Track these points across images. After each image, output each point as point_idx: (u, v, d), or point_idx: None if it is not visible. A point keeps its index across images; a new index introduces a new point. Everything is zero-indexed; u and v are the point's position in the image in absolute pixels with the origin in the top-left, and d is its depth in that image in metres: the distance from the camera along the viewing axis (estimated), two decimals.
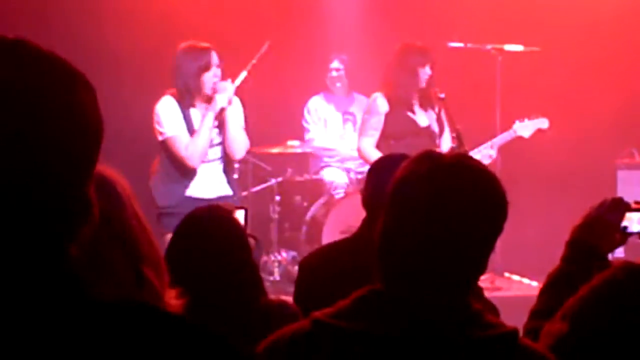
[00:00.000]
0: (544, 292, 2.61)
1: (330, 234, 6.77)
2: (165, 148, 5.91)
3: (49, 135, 1.18)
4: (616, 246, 2.66)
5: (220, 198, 6.00)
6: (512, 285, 7.67)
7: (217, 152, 6.03)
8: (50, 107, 1.19)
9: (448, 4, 8.59)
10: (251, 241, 3.08)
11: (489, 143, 7.04)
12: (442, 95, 6.63)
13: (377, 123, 6.71)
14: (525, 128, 7.17)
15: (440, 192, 1.75)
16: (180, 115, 5.88)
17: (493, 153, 6.94)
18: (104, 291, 1.22)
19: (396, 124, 6.69)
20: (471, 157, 1.90)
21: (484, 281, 7.20)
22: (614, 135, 8.21)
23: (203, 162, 5.93)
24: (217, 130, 5.98)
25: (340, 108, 8.09)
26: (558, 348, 2.08)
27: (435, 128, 6.81)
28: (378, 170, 3.49)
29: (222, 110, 5.89)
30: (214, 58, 5.93)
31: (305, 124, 8.09)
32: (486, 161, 6.79)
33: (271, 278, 7.33)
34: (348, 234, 3.74)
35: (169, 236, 3.06)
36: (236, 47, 7.80)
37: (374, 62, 7.86)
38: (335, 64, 8.05)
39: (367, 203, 3.48)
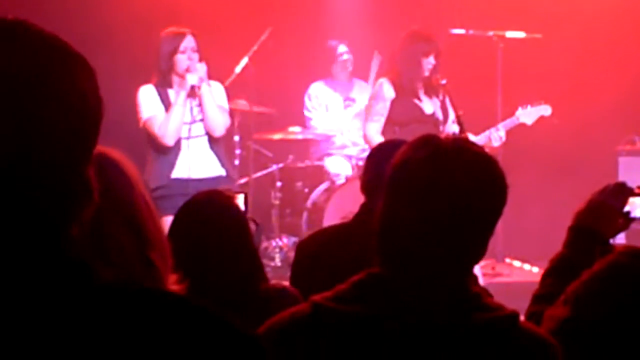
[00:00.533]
0: (546, 276, 2.62)
1: (331, 220, 6.77)
2: (146, 132, 6.11)
3: (47, 117, 1.17)
4: (619, 231, 2.67)
5: (217, 179, 6.14)
6: (513, 271, 7.68)
7: (200, 128, 6.18)
8: (49, 88, 1.18)
9: None
10: (252, 225, 3.09)
11: (494, 129, 7.02)
12: (444, 82, 6.62)
13: (382, 109, 6.71)
14: (527, 115, 7.14)
15: (439, 176, 1.75)
16: (158, 98, 6.09)
17: (502, 135, 6.91)
18: (112, 275, 1.23)
19: (402, 111, 6.68)
20: (470, 141, 1.89)
21: (485, 267, 7.22)
22: (615, 122, 8.20)
23: (189, 137, 6.09)
24: (199, 107, 6.15)
25: (341, 93, 8.08)
26: (560, 332, 2.09)
27: (440, 115, 6.80)
28: (377, 156, 3.49)
29: (193, 88, 6.05)
30: (189, 41, 6.10)
31: (306, 112, 8.07)
32: (496, 144, 6.80)
33: (272, 264, 7.34)
34: (343, 221, 3.74)
35: (164, 220, 3.07)
36: (238, 33, 7.81)
37: (375, 48, 7.86)
38: (341, 48, 8.03)
39: (365, 188, 3.48)
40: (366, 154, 7.17)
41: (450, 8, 8.27)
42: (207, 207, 2.99)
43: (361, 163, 7.42)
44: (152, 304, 1.22)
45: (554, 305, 2.23)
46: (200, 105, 6.13)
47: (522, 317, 1.81)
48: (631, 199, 2.67)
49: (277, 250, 7.52)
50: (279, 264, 7.37)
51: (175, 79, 6.11)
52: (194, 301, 1.27)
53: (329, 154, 7.89)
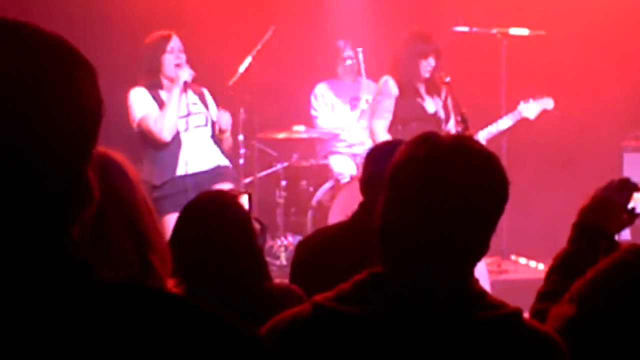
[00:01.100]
0: (551, 273, 2.61)
1: (336, 218, 6.76)
2: (141, 131, 6.16)
3: (47, 118, 1.17)
4: (623, 227, 2.66)
5: (216, 168, 6.29)
6: (518, 268, 7.67)
7: (200, 118, 6.31)
8: (49, 88, 1.18)
9: None
10: (256, 226, 3.09)
11: (495, 125, 7.02)
12: (448, 79, 6.61)
13: (390, 105, 6.71)
14: (530, 109, 7.13)
15: (439, 174, 1.74)
16: (150, 97, 6.16)
17: (482, 139, 6.87)
18: (112, 275, 1.22)
19: (404, 109, 6.68)
20: (470, 138, 1.88)
21: (490, 264, 7.22)
22: (620, 118, 8.19)
23: (187, 130, 6.18)
24: (197, 100, 6.31)
25: (348, 94, 8.07)
26: (565, 330, 2.08)
27: (442, 114, 6.81)
28: (376, 156, 3.49)
29: (187, 83, 6.15)
30: (175, 41, 6.24)
31: (313, 112, 8.07)
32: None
33: (277, 262, 7.34)
34: (342, 221, 3.74)
35: (166, 218, 3.08)
36: (241, 32, 7.81)
37: (379, 47, 7.85)
38: (348, 51, 8.03)
39: (364, 187, 3.49)
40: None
41: (454, 5, 8.25)
42: (211, 207, 2.98)
43: None
44: (152, 303, 1.22)
45: (559, 303, 2.23)
46: (200, 99, 6.31)
47: (527, 314, 1.80)
48: (636, 195, 2.67)
49: (282, 249, 7.52)
50: (284, 262, 7.37)
51: (163, 80, 6.22)
52: (193, 301, 1.27)
53: (334, 153, 7.89)
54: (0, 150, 1.15)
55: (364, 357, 1.69)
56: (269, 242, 7.45)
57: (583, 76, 8.36)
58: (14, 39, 1.19)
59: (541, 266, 7.59)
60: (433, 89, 6.79)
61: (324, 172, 7.78)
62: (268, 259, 3.14)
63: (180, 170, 6.15)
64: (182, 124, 6.18)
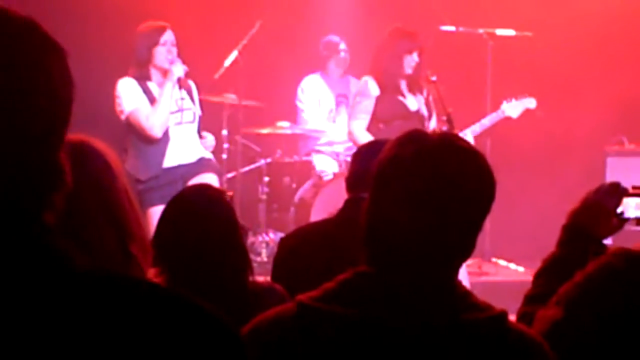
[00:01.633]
0: (538, 276, 2.60)
1: (318, 216, 6.76)
2: (129, 124, 6.11)
3: (16, 102, 1.15)
4: (613, 231, 2.65)
5: (200, 160, 6.31)
6: (499, 270, 7.68)
7: (189, 115, 6.31)
8: (17, 72, 1.16)
9: None
10: None
11: (477, 124, 7.03)
12: (434, 78, 6.61)
13: (368, 106, 6.69)
14: (513, 108, 7.16)
15: (426, 172, 1.72)
16: (140, 90, 6.11)
17: (471, 139, 6.88)
18: (87, 263, 1.21)
19: (386, 108, 6.67)
20: (457, 136, 1.86)
21: (471, 266, 7.22)
22: (603, 122, 8.21)
23: (179, 123, 6.19)
24: (187, 96, 6.30)
25: (334, 89, 8.07)
26: (551, 333, 2.07)
27: (425, 112, 6.80)
28: (363, 154, 3.48)
29: (179, 79, 6.16)
30: (169, 35, 6.18)
31: (298, 104, 8.06)
32: None
33: (259, 259, 7.32)
34: (327, 217, 3.73)
35: (152, 210, 3.06)
36: (227, 26, 7.78)
37: (365, 45, 7.84)
38: (343, 45, 8.04)
39: (350, 185, 3.48)
40: (353, 151, 7.19)
41: (440, 5, 8.24)
42: (196, 200, 2.97)
43: (349, 159, 7.41)
44: (128, 290, 1.21)
45: (546, 306, 2.22)
46: (189, 93, 6.29)
47: (510, 316, 1.79)
48: (625, 200, 2.66)
49: (264, 246, 7.50)
50: (265, 259, 7.35)
51: (153, 71, 6.17)
52: (170, 289, 1.26)
53: (317, 151, 7.88)
54: None
55: (349, 357, 1.67)
56: (251, 239, 7.43)
57: (568, 79, 8.39)
58: None
59: (522, 269, 7.61)
60: (415, 87, 6.78)
61: (307, 169, 7.77)
62: (249, 255, 3.12)
63: (166, 164, 6.15)
64: (172, 120, 6.18)
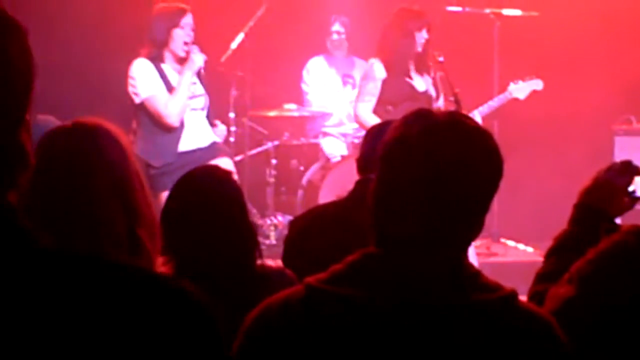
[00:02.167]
0: (550, 254, 2.59)
1: (326, 198, 6.76)
2: (144, 109, 5.98)
3: None
4: (624, 210, 2.64)
5: (212, 144, 6.23)
6: (507, 251, 7.68)
7: (200, 101, 6.20)
8: None
9: None
10: None
11: (485, 106, 7.02)
12: (441, 59, 6.59)
13: (374, 89, 6.68)
14: (520, 90, 7.15)
15: (434, 151, 1.71)
16: (156, 74, 5.98)
17: (479, 120, 6.90)
18: (49, 242, 1.21)
19: (394, 90, 6.66)
20: (464, 115, 1.85)
21: (479, 247, 7.22)
22: (611, 102, 8.18)
23: (192, 109, 6.10)
24: (198, 82, 6.16)
25: (340, 70, 8.05)
26: (564, 311, 2.07)
27: (433, 92, 6.79)
28: (373, 135, 3.48)
29: (199, 69, 6.04)
30: (189, 19, 6.03)
31: (304, 86, 8.04)
32: None
33: (267, 242, 7.32)
34: (337, 199, 3.73)
35: (164, 194, 3.05)
36: (234, 8, 7.76)
37: (372, 26, 7.82)
38: (336, 26, 8.00)
39: (361, 167, 3.48)
40: (362, 133, 7.18)
41: None
42: (204, 181, 2.95)
43: (356, 142, 7.41)
44: (89, 268, 1.21)
45: (558, 284, 2.21)
46: (200, 80, 6.16)
47: (519, 297, 1.78)
48: (637, 178, 2.65)
49: (272, 228, 7.50)
50: (273, 242, 7.35)
51: (167, 54, 6.04)
52: (130, 264, 1.26)
53: (324, 133, 7.86)
54: None
55: (358, 339, 1.67)
56: (259, 221, 7.44)
57: (575, 58, 8.35)
58: None
59: (530, 249, 7.60)
60: (422, 67, 6.76)
61: (315, 151, 7.76)
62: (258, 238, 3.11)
63: (181, 148, 6.06)
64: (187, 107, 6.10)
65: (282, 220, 7.60)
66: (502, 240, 7.88)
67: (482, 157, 1.75)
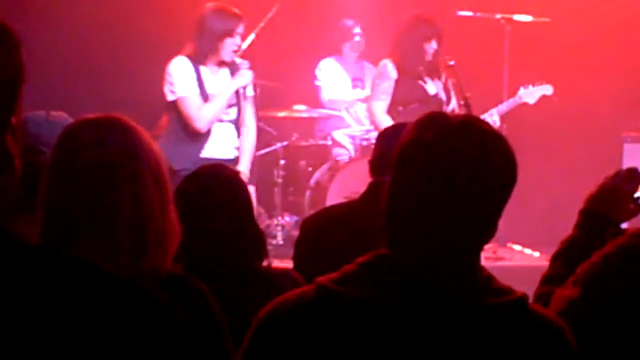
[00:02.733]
0: (556, 258, 2.60)
1: (334, 199, 6.77)
2: (175, 108, 5.88)
3: None
4: (630, 217, 2.64)
5: (236, 158, 6.05)
6: (514, 255, 7.67)
7: (232, 113, 6.05)
8: None
9: None
10: None
11: (494, 110, 7.03)
12: (452, 63, 6.61)
13: (388, 88, 6.72)
14: (529, 94, 7.17)
15: (448, 155, 1.71)
16: (194, 76, 5.85)
17: (496, 120, 6.92)
18: (28, 242, 1.22)
19: (405, 91, 6.68)
20: (478, 118, 1.85)
21: (486, 251, 7.21)
22: (621, 108, 8.17)
23: (219, 121, 5.95)
24: (234, 93, 6.00)
25: (350, 73, 8.07)
26: (569, 312, 2.08)
27: (443, 96, 6.81)
28: (387, 137, 3.49)
29: (245, 87, 5.95)
30: (242, 27, 5.91)
31: (317, 82, 8.04)
32: None
33: (274, 242, 7.33)
34: (349, 200, 3.73)
35: None
36: (245, 9, 7.76)
37: (382, 29, 7.83)
38: (357, 29, 8.01)
39: (374, 168, 3.48)
40: (371, 134, 7.20)
41: None
42: (210, 180, 2.95)
43: (365, 143, 7.42)
44: (64, 267, 1.22)
45: (563, 286, 2.22)
46: (237, 95, 6.01)
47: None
48: None
49: (279, 229, 7.51)
50: (280, 242, 7.36)
51: (209, 56, 5.91)
52: (106, 267, 1.27)
53: (333, 134, 7.87)
54: None
55: (368, 340, 1.67)
56: (266, 221, 7.45)
57: (585, 65, 8.35)
58: None
59: (537, 254, 7.60)
60: (433, 72, 6.79)
61: (323, 153, 7.77)
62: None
63: (208, 154, 5.92)
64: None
65: (289, 220, 7.61)
66: (509, 244, 7.87)
67: (496, 160, 1.75)
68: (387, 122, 6.34)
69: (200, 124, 5.83)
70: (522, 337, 1.71)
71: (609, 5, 8.34)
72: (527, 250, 7.77)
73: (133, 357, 1.21)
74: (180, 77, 5.83)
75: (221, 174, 2.98)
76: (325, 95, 7.98)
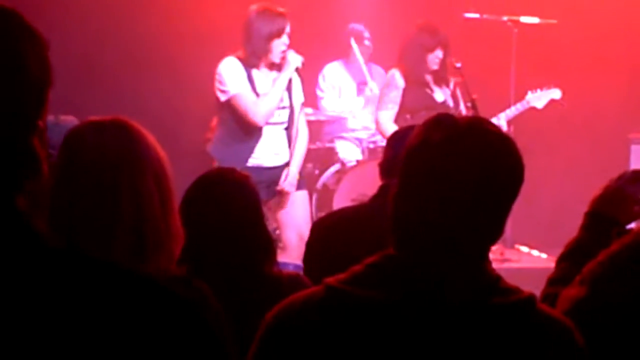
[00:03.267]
0: (561, 260, 2.60)
1: (341, 202, 6.76)
2: (230, 106, 5.77)
3: None
4: (634, 218, 2.64)
5: (283, 166, 5.94)
6: (521, 257, 7.67)
7: (283, 115, 5.95)
8: None
9: None
10: None
11: (503, 114, 7.03)
12: (459, 65, 6.62)
13: (396, 97, 6.72)
14: (538, 99, 7.17)
15: (456, 157, 1.72)
16: (244, 75, 5.78)
17: (503, 124, 6.93)
18: (57, 243, 1.23)
19: (413, 99, 6.69)
20: (485, 120, 1.85)
21: (494, 252, 7.21)
22: (628, 110, 8.17)
23: (268, 123, 5.84)
24: (286, 93, 5.92)
25: (356, 77, 8.07)
26: (575, 312, 2.08)
27: (451, 103, 6.81)
28: (397, 140, 3.49)
29: (297, 69, 5.83)
30: (288, 26, 5.81)
31: (318, 92, 8.07)
32: None
33: (280, 245, 7.33)
34: (359, 203, 3.74)
35: None
36: None
37: (389, 32, 7.84)
38: (367, 34, 8.02)
39: (384, 171, 3.49)
40: (377, 137, 7.21)
41: None
42: (219, 184, 2.95)
43: (372, 146, 7.43)
44: (93, 267, 1.24)
45: (570, 286, 2.22)
46: (288, 90, 5.91)
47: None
48: None
49: None
50: None
51: (261, 60, 5.82)
52: (131, 267, 1.28)
53: (340, 137, 7.88)
54: None
55: (376, 340, 1.68)
56: (274, 224, 7.45)
57: (592, 66, 8.34)
58: None
59: (544, 256, 7.60)
60: (441, 80, 6.80)
61: (330, 156, 7.77)
62: None
63: (252, 162, 5.84)
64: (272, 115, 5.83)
65: None
66: (516, 246, 7.87)
67: (503, 161, 1.76)
68: (393, 130, 6.34)
69: (257, 118, 5.71)
70: (530, 337, 1.71)
71: (616, 7, 8.33)
72: (535, 252, 7.77)
73: (160, 354, 1.22)
74: (230, 76, 5.74)
75: (230, 178, 2.97)
76: (323, 108, 7.98)
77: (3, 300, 1.16)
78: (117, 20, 7.74)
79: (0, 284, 1.16)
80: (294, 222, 6.03)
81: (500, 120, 6.95)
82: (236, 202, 2.90)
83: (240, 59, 5.78)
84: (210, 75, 5.90)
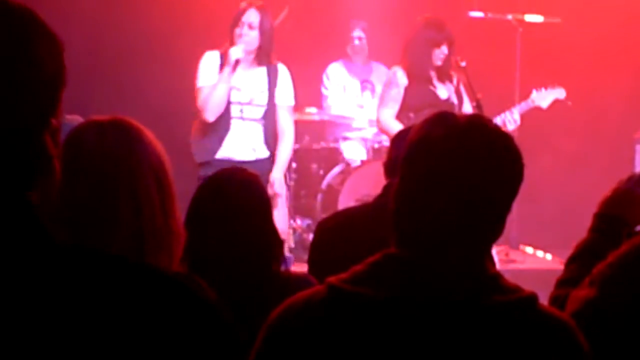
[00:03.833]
0: (571, 261, 2.60)
1: (345, 202, 6.77)
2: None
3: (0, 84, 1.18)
4: None
5: (256, 161, 5.92)
6: (526, 258, 7.67)
7: (256, 112, 5.97)
8: (1, 55, 1.19)
9: None
10: None
11: (516, 108, 7.00)
12: (463, 64, 6.60)
13: (397, 95, 6.70)
14: (542, 98, 7.15)
15: (456, 154, 1.73)
16: (216, 69, 5.88)
17: (517, 118, 6.89)
18: (66, 240, 1.23)
19: (416, 97, 6.67)
20: (485, 118, 1.85)
21: (498, 253, 7.20)
22: (633, 110, 8.16)
23: (242, 119, 5.90)
24: (266, 91, 5.96)
25: (359, 76, 8.07)
26: (585, 313, 2.08)
27: (455, 100, 6.79)
28: (401, 139, 3.48)
29: (237, 62, 5.83)
30: (248, 16, 5.87)
31: (324, 90, 8.07)
32: (511, 127, 6.77)
33: (286, 245, 7.34)
34: (363, 203, 3.73)
35: None
36: None
37: (393, 30, 7.83)
38: (357, 32, 8.01)
39: (388, 171, 3.49)
40: (382, 137, 7.20)
41: None
42: (229, 182, 2.94)
43: (376, 146, 7.42)
44: (101, 263, 1.24)
45: (579, 287, 2.22)
46: (270, 89, 5.96)
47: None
48: None
49: (291, 232, 7.51)
50: (292, 245, 7.36)
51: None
52: (142, 263, 1.31)
53: (345, 137, 7.87)
54: None
55: (379, 339, 1.68)
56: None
57: (597, 65, 8.33)
58: None
59: (549, 256, 7.59)
60: (445, 76, 6.77)
61: (335, 156, 7.77)
62: None
63: (222, 154, 5.87)
64: (237, 111, 5.89)
65: (301, 224, 7.61)
66: (521, 247, 7.86)
67: (503, 159, 1.77)
68: (396, 127, 6.33)
69: (205, 114, 5.81)
70: (529, 336, 1.71)
71: (621, 6, 8.32)
72: (539, 253, 7.76)
73: (179, 352, 1.23)
74: (201, 69, 5.90)
75: (239, 177, 2.97)
76: (328, 106, 7.99)
77: (17, 298, 1.16)
78: (118, 18, 7.73)
79: (14, 281, 1.17)
80: None
81: (514, 114, 6.91)
82: (245, 201, 2.89)
83: (221, 52, 5.91)
84: None
